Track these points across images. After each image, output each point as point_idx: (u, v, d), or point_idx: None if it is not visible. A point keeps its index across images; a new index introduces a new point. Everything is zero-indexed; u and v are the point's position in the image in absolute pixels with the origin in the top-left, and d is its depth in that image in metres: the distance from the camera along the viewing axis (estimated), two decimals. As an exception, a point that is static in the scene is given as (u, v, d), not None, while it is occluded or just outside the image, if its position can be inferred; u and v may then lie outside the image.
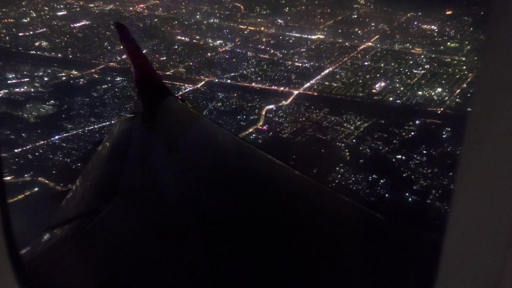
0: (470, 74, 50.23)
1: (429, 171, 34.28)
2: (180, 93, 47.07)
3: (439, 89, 49.48)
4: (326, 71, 54.86)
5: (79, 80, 51.40)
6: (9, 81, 49.78)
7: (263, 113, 45.26)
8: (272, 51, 59.89)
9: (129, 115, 5.97)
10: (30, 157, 37.20)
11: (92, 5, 72.08)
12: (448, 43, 60.11)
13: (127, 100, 43.21)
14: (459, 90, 48.41)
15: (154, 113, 5.53)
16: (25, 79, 49.97)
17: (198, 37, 64.17)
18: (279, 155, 4.40)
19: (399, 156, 36.62)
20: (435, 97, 48.07)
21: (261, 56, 58.70)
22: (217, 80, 52.56)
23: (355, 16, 70.28)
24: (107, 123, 41.65)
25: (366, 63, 56.70)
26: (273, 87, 51.39)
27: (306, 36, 64.35)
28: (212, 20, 69.75)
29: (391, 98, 48.65)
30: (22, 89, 48.26)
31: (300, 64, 56.59)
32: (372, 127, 41.44)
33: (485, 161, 1.13)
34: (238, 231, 3.09)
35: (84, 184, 4.50)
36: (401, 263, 2.81)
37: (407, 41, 61.35)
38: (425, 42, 60.69)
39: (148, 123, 5.36)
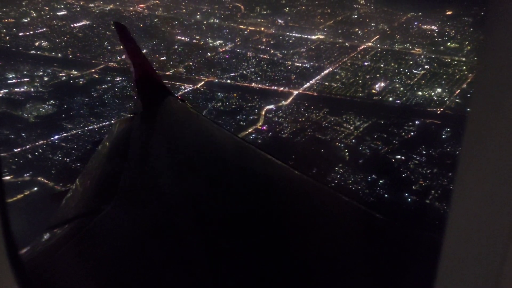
0: (470, 75, 50.22)
1: (428, 171, 34.26)
2: (180, 93, 47.02)
3: (439, 90, 49.48)
4: (326, 71, 54.85)
5: (79, 80, 51.36)
6: (9, 81, 49.77)
7: (263, 113, 45.23)
8: (272, 51, 59.87)
9: (129, 115, 5.97)
10: (30, 156, 37.17)
11: (92, 5, 72.14)
12: (448, 44, 60.15)
13: (127, 100, 43.19)
14: (459, 91, 48.42)
15: (153, 113, 5.53)
16: (25, 79, 49.96)
17: (198, 37, 64.17)
18: (278, 155, 4.40)
19: (399, 156, 36.58)
20: (435, 98, 48.06)
21: (261, 56, 58.69)
22: (217, 80, 52.53)
23: (355, 16, 70.34)
24: (106, 123, 41.61)
25: (366, 63, 56.71)
26: (273, 87, 51.37)
27: (306, 36, 64.37)
28: (212, 20, 69.79)
29: (390, 99, 48.62)
30: (22, 89, 48.26)
31: (300, 64, 56.57)
32: (372, 127, 41.41)
33: (485, 161, 1.13)
34: (238, 231, 3.10)
35: (84, 184, 4.50)
36: (401, 263, 2.81)
37: (407, 42, 61.39)
38: (425, 43, 60.72)
39: (148, 123, 5.36)
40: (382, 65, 55.82)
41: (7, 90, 48.19)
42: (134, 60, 6.27)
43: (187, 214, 3.25)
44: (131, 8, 73.75)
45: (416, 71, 53.81)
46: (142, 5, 74.33)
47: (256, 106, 46.70)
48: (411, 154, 36.48)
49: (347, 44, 61.89)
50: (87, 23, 66.78)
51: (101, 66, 54.54)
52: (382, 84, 51.37)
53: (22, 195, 31.36)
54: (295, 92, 49.94)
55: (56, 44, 60.54)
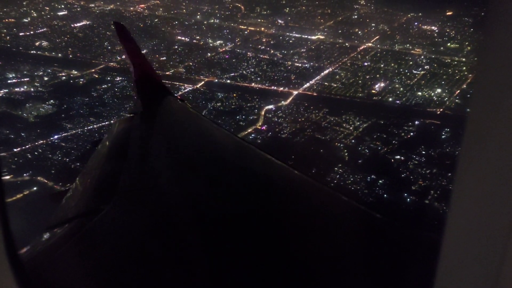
0: (470, 75, 50.20)
1: (427, 171, 34.27)
2: (180, 93, 47.02)
3: (439, 90, 49.48)
4: (326, 71, 54.86)
5: (79, 80, 51.39)
6: (9, 81, 49.83)
7: (263, 113, 45.23)
8: (272, 51, 59.88)
9: (129, 115, 5.96)
10: (29, 156, 37.18)
11: (92, 5, 72.21)
12: (448, 44, 60.17)
13: (127, 100, 43.20)
14: (458, 91, 48.43)
15: (153, 113, 5.52)
16: (25, 79, 50.00)
17: (198, 37, 64.21)
18: (278, 155, 4.40)
19: (398, 157, 36.58)
20: (435, 98, 48.06)
21: (261, 56, 58.69)
22: (216, 80, 52.53)
23: (356, 16, 70.40)
24: (106, 122, 41.61)
25: (366, 64, 56.72)
26: (272, 87, 51.36)
27: (306, 36, 64.40)
28: (212, 21, 69.82)
29: (390, 99, 48.61)
30: (22, 89, 48.29)
31: (300, 65, 56.57)
32: (371, 128, 41.41)
33: (484, 162, 1.13)
34: (237, 231, 3.09)
35: (83, 184, 4.49)
36: (400, 263, 2.81)
37: (407, 42, 61.42)
38: (425, 43, 60.75)
39: (147, 123, 5.35)
40: (382, 66, 55.84)
41: (7, 90, 48.24)
42: (133, 60, 6.27)
43: (186, 214, 3.25)
44: (131, 8, 73.83)
45: (416, 72, 53.83)
46: (142, 5, 74.41)
47: (256, 106, 46.70)
48: (411, 154, 36.48)
49: (347, 44, 61.91)
50: (88, 23, 66.84)
51: (101, 66, 54.57)
52: (382, 84, 51.38)
53: (21, 195, 31.37)
54: (295, 92, 49.95)
55: (56, 44, 60.58)
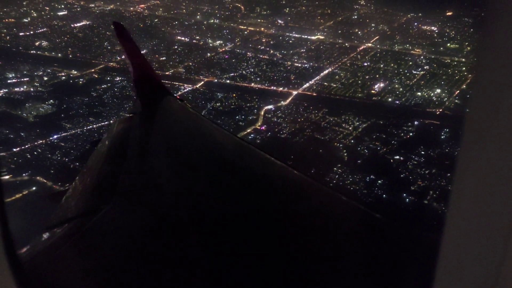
0: (470, 75, 50.19)
1: (427, 172, 34.27)
2: (179, 93, 46.99)
3: (438, 90, 49.45)
4: (326, 71, 54.85)
5: (78, 79, 51.42)
6: (9, 81, 49.88)
7: (262, 113, 45.21)
8: (271, 51, 59.88)
9: (128, 115, 5.96)
10: (29, 156, 37.19)
11: (92, 5, 72.29)
12: (448, 44, 60.17)
13: (126, 100, 43.22)
14: (458, 91, 48.39)
15: (152, 113, 5.52)
16: (24, 79, 50.07)
17: (198, 37, 64.25)
18: (277, 155, 4.39)
19: (397, 157, 36.57)
20: (434, 98, 48.04)
21: (261, 56, 58.69)
22: (216, 80, 52.53)
23: (355, 17, 70.46)
24: (106, 122, 41.60)
25: (365, 64, 56.73)
26: (272, 87, 51.35)
27: (306, 36, 64.42)
28: (212, 21, 69.87)
29: (390, 99, 48.58)
30: (22, 89, 48.33)
31: (300, 65, 56.57)
32: (371, 128, 41.39)
33: (483, 162, 1.13)
34: (237, 231, 3.09)
35: (83, 184, 4.49)
36: (399, 263, 2.81)
37: (407, 42, 61.43)
38: (425, 43, 60.77)
39: (147, 122, 5.35)
40: (381, 66, 55.84)
41: (7, 90, 48.28)
42: (133, 60, 6.26)
43: (186, 214, 3.25)
44: (131, 8, 73.89)
45: (415, 72, 53.82)
46: (142, 5, 74.49)
47: (255, 106, 46.68)
48: (410, 154, 36.46)
49: (346, 44, 61.93)
50: (87, 23, 66.90)
51: (101, 66, 54.60)
52: (382, 85, 51.37)
53: (20, 195, 31.37)
54: (294, 93, 49.94)
55: (56, 44, 60.63)
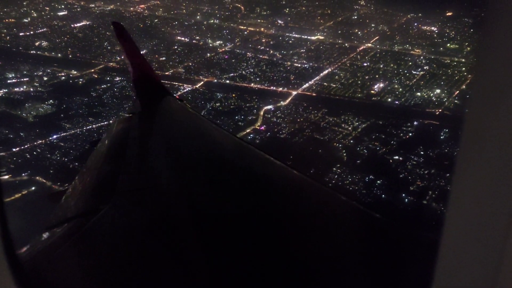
0: (470, 76, 50.18)
1: (426, 172, 34.26)
2: (179, 93, 46.96)
3: (438, 90, 49.43)
4: (325, 71, 54.83)
5: (78, 80, 51.43)
6: (8, 81, 49.89)
7: (261, 113, 45.20)
8: (271, 51, 59.87)
9: (127, 115, 5.96)
10: (28, 156, 37.19)
11: (93, 5, 72.31)
12: (448, 45, 60.15)
13: (126, 100, 43.20)
14: (458, 91, 48.36)
15: (152, 113, 5.52)
16: (24, 79, 50.10)
17: (198, 37, 64.23)
18: (276, 155, 4.39)
19: (397, 157, 36.57)
20: (434, 98, 48.02)
21: (261, 56, 58.68)
22: (216, 81, 52.52)
23: (355, 17, 70.44)
24: (105, 122, 41.58)
25: (365, 64, 56.70)
26: (271, 87, 51.33)
27: (305, 37, 64.41)
28: (212, 21, 69.86)
29: (389, 99, 48.56)
30: (22, 89, 48.35)
31: (299, 65, 56.55)
32: (370, 128, 41.38)
33: (482, 162, 1.13)
34: (236, 231, 3.09)
35: (82, 184, 4.50)
36: (398, 262, 2.81)
37: (406, 42, 61.40)
38: (424, 43, 60.73)
39: (146, 122, 5.35)
40: (381, 66, 55.82)
41: (6, 90, 48.31)
42: (132, 60, 6.26)
43: (185, 214, 3.25)
44: (131, 8, 73.89)
45: (415, 72, 53.80)
46: (142, 6, 74.49)
47: (255, 106, 46.66)
48: (409, 154, 36.46)
49: (346, 44, 61.91)
50: (87, 23, 66.91)
51: (101, 66, 54.61)
52: (381, 85, 51.35)
53: (20, 195, 31.37)
54: (294, 93, 49.92)
55: (56, 44, 60.63)
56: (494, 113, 1.09)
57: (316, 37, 64.53)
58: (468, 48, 57.49)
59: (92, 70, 53.56)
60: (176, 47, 61.00)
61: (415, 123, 42.49)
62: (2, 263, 2.02)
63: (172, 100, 6.14)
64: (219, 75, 53.65)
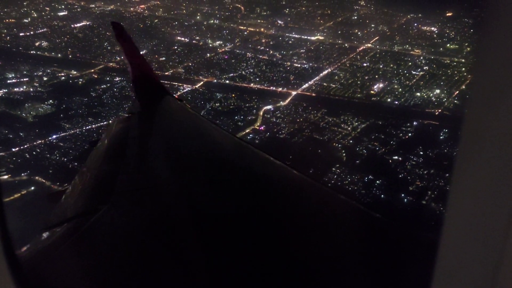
0: (469, 76, 50.18)
1: (425, 172, 34.28)
2: (179, 93, 46.99)
3: (438, 91, 49.46)
4: (325, 72, 54.85)
5: (78, 80, 51.45)
6: (8, 81, 49.92)
7: (261, 113, 45.22)
8: (271, 52, 59.91)
9: (127, 115, 5.95)
10: (28, 156, 37.21)
11: (93, 5, 72.38)
12: (448, 45, 60.19)
13: (126, 100, 43.22)
14: (457, 92, 48.41)
15: (151, 113, 5.52)
16: (24, 79, 50.14)
17: (197, 37, 64.26)
18: (276, 155, 4.39)
19: (396, 157, 36.59)
20: (433, 99, 48.05)
21: (260, 57, 58.72)
22: (215, 81, 52.53)
23: (355, 17, 70.50)
24: (105, 122, 41.57)
25: (365, 64, 56.73)
26: (271, 87, 51.36)
27: (305, 37, 64.45)
28: (212, 21, 69.90)
29: (389, 99, 48.59)
30: (21, 89, 48.40)
31: (299, 65, 56.57)
32: (370, 128, 41.40)
33: (481, 162, 1.13)
34: (236, 231, 3.09)
35: (81, 184, 4.49)
36: (398, 262, 2.81)
37: (406, 43, 61.44)
38: (424, 44, 60.76)
39: (146, 122, 5.35)
40: (381, 66, 55.85)
41: (6, 90, 48.36)
42: (131, 60, 6.26)
43: (184, 214, 3.25)
44: (131, 8, 73.96)
45: (415, 72, 53.84)
46: (142, 6, 74.54)
47: (254, 106, 46.68)
48: (409, 155, 36.48)
49: (346, 45, 61.94)
50: (88, 23, 66.96)
51: (101, 66, 54.65)
52: (381, 85, 51.37)
53: (19, 194, 31.39)
54: (294, 93, 49.93)
55: (56, 44, 60.67)
56: (494, 113, 1.09)
57: (316, 37, 64.57)
58: (468, 49, 57.51)
59: (92, 70, 53.61)
60: (176, 47, 61.02)
61: (414, 123, 42.52)
62: (1, 263, 2.02)
63: (172, 100, 6.14)
64: (218, 75, 53.68)
